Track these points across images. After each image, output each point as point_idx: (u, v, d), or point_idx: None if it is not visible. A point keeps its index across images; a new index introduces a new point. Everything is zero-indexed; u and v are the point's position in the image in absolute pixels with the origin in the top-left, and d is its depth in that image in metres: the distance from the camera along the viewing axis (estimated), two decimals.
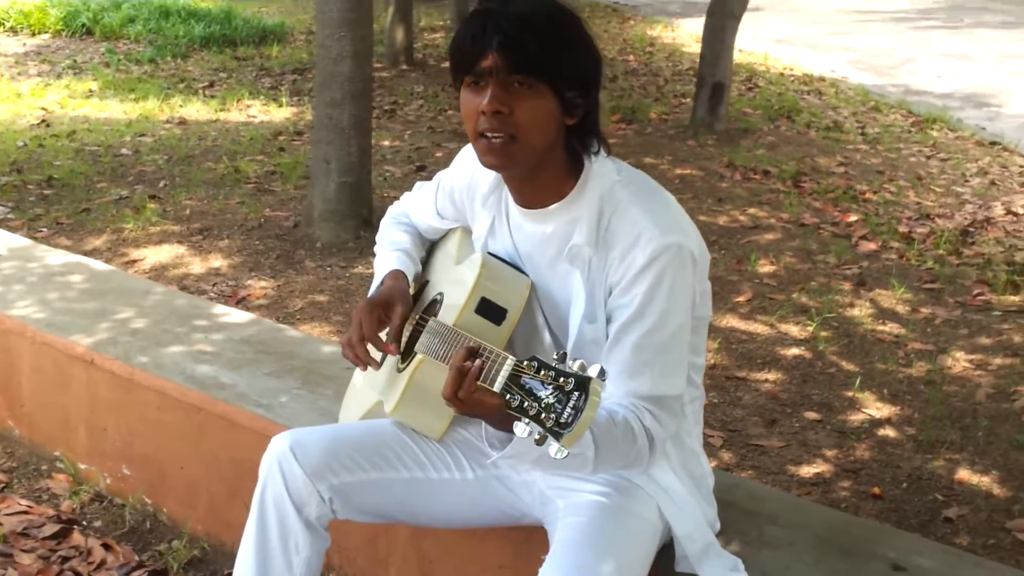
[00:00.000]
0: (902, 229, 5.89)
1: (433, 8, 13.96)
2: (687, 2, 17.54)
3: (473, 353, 1.81)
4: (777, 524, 2.42)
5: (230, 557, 2.96)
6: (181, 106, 8.93)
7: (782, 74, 10.74)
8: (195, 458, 3.12)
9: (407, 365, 2.24)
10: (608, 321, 2.03)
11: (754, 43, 12.22)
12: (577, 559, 1.96)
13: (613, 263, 2.00)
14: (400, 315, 2.21)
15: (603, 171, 2.05)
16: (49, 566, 2.96)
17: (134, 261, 5.18)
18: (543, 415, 1.62)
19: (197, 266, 5.12)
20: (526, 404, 1.65)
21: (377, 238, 2.54)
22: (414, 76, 10.24)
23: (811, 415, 3.77)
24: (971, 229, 5.98)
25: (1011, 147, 8.02)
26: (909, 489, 3.32)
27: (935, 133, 8.43)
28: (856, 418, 3.76)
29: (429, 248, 2.53)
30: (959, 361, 4.23)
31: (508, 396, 1.68)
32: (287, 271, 5.06)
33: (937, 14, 16.47)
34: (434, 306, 2.28)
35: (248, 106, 9.02)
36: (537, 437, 1.63)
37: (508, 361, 1.73)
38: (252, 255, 5.26)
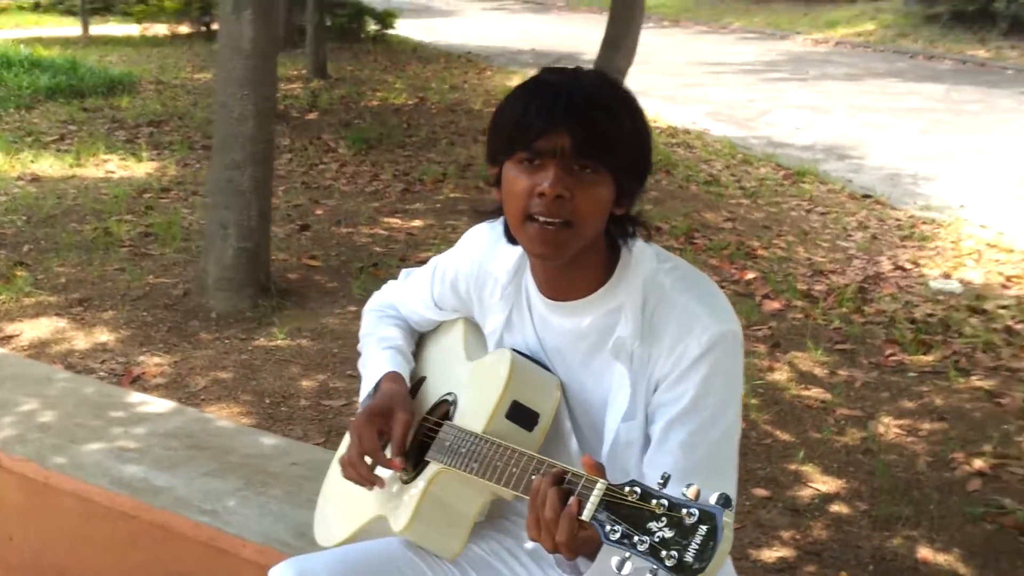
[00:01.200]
0: (801, 287, 5.87)
1: (287, 58, 13.64)
2: (537, 52, 17.69)
3: (560, 479, 1.59)
4: None
5: None
6: (32, 161, 8.45)
7: (659, 129, 10.79)
8: (121, 572, 2.81)
9: (415, 476, 2.01)
10: (648, 421, 1.85)
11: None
12: None
13: (660, 356, 1.82)
14: (403, 423, 2.00)
15: (643, 258, 1.88)
16: None
17: (10, 337, 4.79)
18: (662, 552, 1.40)
19: (81, 341, 4.76)
20: (635, 539, 1.43)
21: (361, 334, 2.30)
22: (278, 128, 9.93)
23: (760, 492, 3.65)
24: (866, 285, 6.00)
25: (883, 200, 8.15)
26: (878, 571, 3.21)
27: (807, 186, 8.52)
28: (805, 493, 3.65)
29: (419, 339, 2.31)
30: (890, 427, 4.18)
31: (608, 528, 1.47)
32: (182, 345, 4.74)
33: (783, 67, 16.92)
34: (443, 408, 2.06)
35: (105, 160, 8.59)
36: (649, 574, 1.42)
37: (599, 485, 1.52)
38: (141, 327, 4.92)
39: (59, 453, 2.97)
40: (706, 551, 1.37)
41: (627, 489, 1.47)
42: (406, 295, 2.27)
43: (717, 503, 1.39)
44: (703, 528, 1.38)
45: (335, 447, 2.42)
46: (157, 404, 3.37)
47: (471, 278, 2.08)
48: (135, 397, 3.41)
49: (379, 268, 5.83)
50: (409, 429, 2.00)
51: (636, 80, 14.06)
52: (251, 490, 2.83)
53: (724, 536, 1.37)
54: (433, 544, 2.02)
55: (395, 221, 6.99)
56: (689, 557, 1.38)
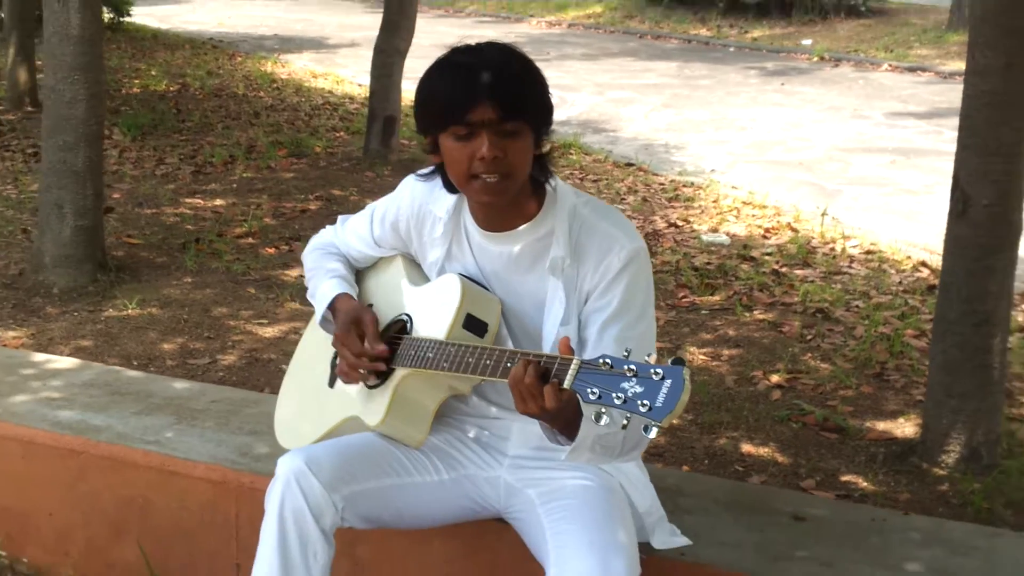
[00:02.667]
0: None
1: None
2: (281, 38, 17.79)
3: (537, 361, 2.01)
4: (684, 495, 2.77)
5: None
6: None
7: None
8: (68, 503, 3.07)
9: (382, 382, 2.40)
10: (581, 326, 2.31)
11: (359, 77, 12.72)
12: (599, 534, 2.21)
13: (588, 272, 2.29)
14: (373, 321, 2.41)
15: (565, 194, 2.35)
16: None
17: None
18: (636, 402, 1.83)
19: None
20: (612, 395, 1.86)
21: (307, 267, 2.69)
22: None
23: None
24: (648, 241, 6.64)
25: (645, 167, 8.86)
26: (712, 464, 3.78)
27: (575, 157, 9.16)
28: None
29: (357, 275, 2.69)
30: (696, 355, 4.78)
31: (588, 390, 1.89)
32: (32, 319, 4.89)
33: (525, 48, 17.41)
34: (397, 326, 2.46)
35: None
36: (624, 423, 1.86)
37: (574, 361, 1.95)
38: None
39: None
40: (673, 398, 1.81)
41: (600, 361, 1.91)
42: (346, 236, 2.66)
43: (673, 365, 1.84)
44: (668, 382, 1.83)
45: None
46: (62, 361, 3.60)
47: (412, 219, 2.50)
48: (38, 357, 3.61)
49: (201, 243, 6.07)
50: (378, 327, 2.39)
51: None
52: (184, 424, 3.13)
53: (685, 387, 1.82)
54: (402, 435, 2.44)
55: (197, 201, 7.19)
56: (659, 403, 1.82)
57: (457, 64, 2.21)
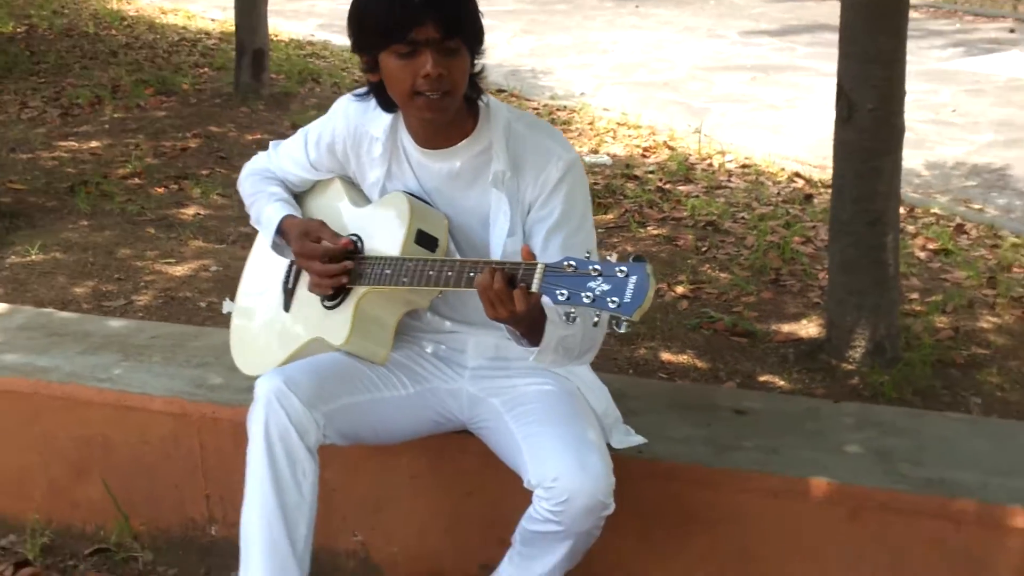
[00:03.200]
0: None
1: None
2: None
3: (501, 267, 2.10)
4: (630, 398, 2.91)
5: (80, 538, 3.02)
6: None
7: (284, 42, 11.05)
8: (25, 447, 3.07)
9: (340, 302, 2.47)
10: (526, 237, 2.42)
11: (222, 11, 12.49)
12: (570, 433, 2.33)
13: (528, 184, 2.39)
14: (324, 225, 2.48)
15: (498, 110, 2.43)
16: None
17: None
18: (605, 299, 1.92)
19: None
20: (581, 295, 1.95)
21: (245, 192, 2.73)
22: None
23: None
24: None
25: (517, 92, 8.95)
26: (637, 373, 3.95)
27: None
28: None
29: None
30: None
31: (556, 292, 1.97)
32: None
33: None
34: (351, 247, 2.50)
35: None
36: (596, 320, 1.97)
37: (539, 266, 2.03)
38: None
39: None
40: (640, 293, 1.91)
41: (565, 263, 1.99)
42: (280, 161, 2.72)
43: (635, 262, 1.95)
44: (633, 278, 1.92)
45: None
46: None
47: (348, 140, 2.55)
48: None
49: (89, 186, 5.98)
50: (329, 227, 2.47)
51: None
52: (132, 360, 3.15)
53: (651, 282, 1.92)
54: (367, 352, 2.51)
55: (71, 144, 7.04)
56: (627, 299, 1.91)
57: None
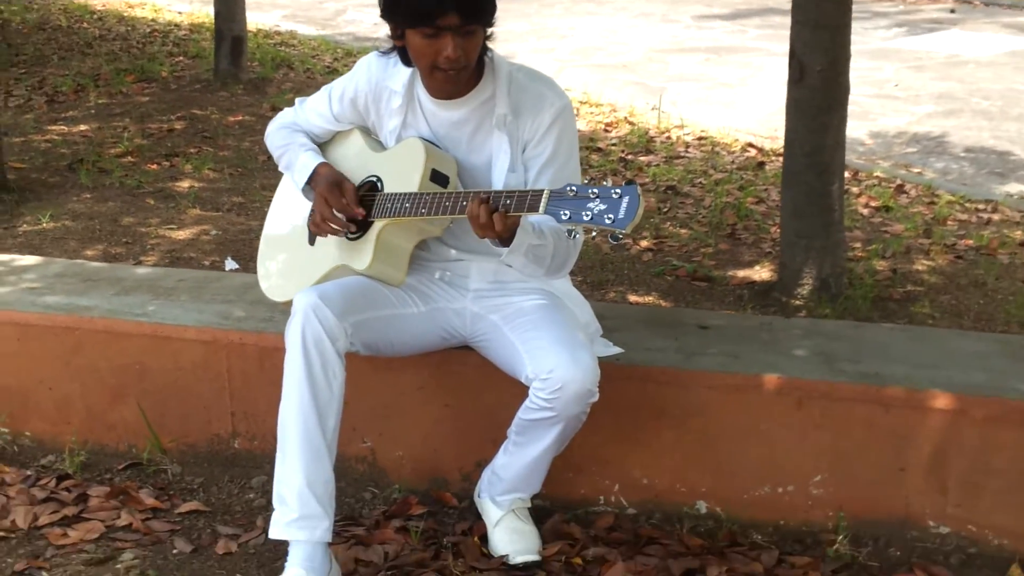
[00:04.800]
0: None
1: None
2: None
3: (511, 193, 2.51)
4: (606, 318, 3.32)
5: (114, 456, 3.40)
6: None
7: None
8: (67, 377, 3.44)
9: (362, 233, 2.88)
10: (525, 170, 2.83)
11: (188, 4, 12.83)
12: (563, 335, 2.75)
13: (526, 125, 2.80)
14: (353, 190, 2.89)
15: (500, 63, 2.84)
16: None
17: None
18: (603, 217, 2.35)
19: None
20: (581, 214, 2.37)
21: (275, 144, 3.13)
22: None
23: None
24: None
25: None
26: (607, 316, 4.35)
27: None
28: None
29: None
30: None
31: (560, 212, 2.38)
32: None
33: None
34: (368, 186, 2.91)
35: None
36: (574, 235, 2.41)
37: (545, 191, 2.46)
38: None
39: None
40: (632, 209, 2.34)
41: (567, 189, 2.41)
42: (306, 115, 3.12)
43: (627, 185, 2.37)
44: (626, 198, 2.34)
45: None
46: (25, 259, 3.92)
47: (370, 94, 2.97)
48: (1, 257, 3.93)
49: (87, 163, 6.35)
50: (356, 192, 2.88)
51: None
52: (163, 299, 3.53)
53: (641, 200, 2.35)
54: (386, 276, 2.92)
55: (61, 128, 7.37)
56: (622, 215, 2.34)
57: None
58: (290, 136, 3.12)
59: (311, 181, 2.98)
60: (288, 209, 3.18)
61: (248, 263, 4.80)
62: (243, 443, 3.38)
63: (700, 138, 7.33)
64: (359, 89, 2.97)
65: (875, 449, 2.94)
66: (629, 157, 6.75)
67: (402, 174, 2.84)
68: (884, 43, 10.81)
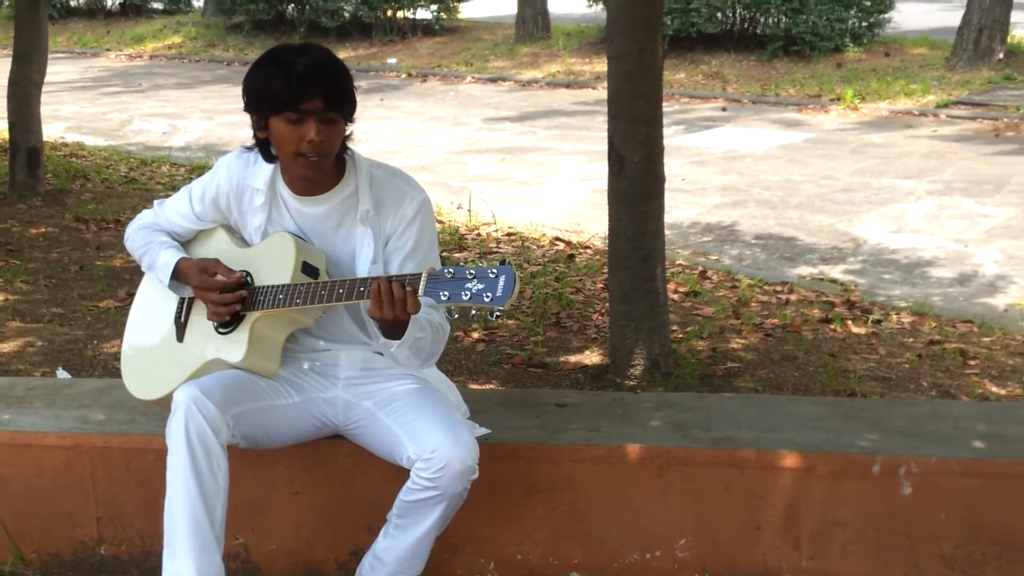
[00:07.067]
0: None
1: None
2: None
3: (390, 280, 2.64)
4: (468, 401, 3.44)
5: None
6: None
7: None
8: None
9: (234, 327, 2.95)
10: (385, 264, 2.96)
11: None
12: (441, 415, 2.88)
13: (388, 219, 2.96)
14: (217, 262, 2.96)
15: (360, 161, 3.00)
16: None
17: None
18: (482, 296, 2.52)
19: None
20: (461, 294, 2.53)
21: (136, 245, 3.17)
22: None
23: None
24: None
25: None
26: None
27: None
28: None
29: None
30: None
31: (439, 293, 2.54)
32: None
33: (113, 81, 17.56)
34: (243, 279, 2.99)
35: None
36: (474, 313, 2.56)
37: (424, 274, 2.60)
38: None
39: None
40: (508, 287, 2.50)
41: (445, 271, 2.57)
42: (167, 215, 3.18)
43: (502, 266, 2.54)
44: (503, 277, 2.51)
45: None
46: None
47: (232, 192, 3.06)
48: None
49: None
50: (221, 264, 2.94)
51: None
52: (15, 408, 3.45)
53: (517, 278, 2.53)
54: (260, 368, 2.99)
55: None
56: (499, 293, 2.50)
57: (290, 61, 2.79)
58: (150, 235, 3.16)
59: (177, 277, 3.02)
60: (152, 308, 3.21)
61: (79, 372, 4.74)
62: (110, 549, 3.34)
63: (509, 234, 7.59)
64: (220, 188, 3.05)
65: (733, 510, 3.14)
66: (444, 255, 6.92)
67: (273, 268, 2.93)
68: (667, 140, 11.35)
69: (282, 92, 2.75)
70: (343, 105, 2.80)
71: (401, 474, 2.85)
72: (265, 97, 2.79)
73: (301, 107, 2.73)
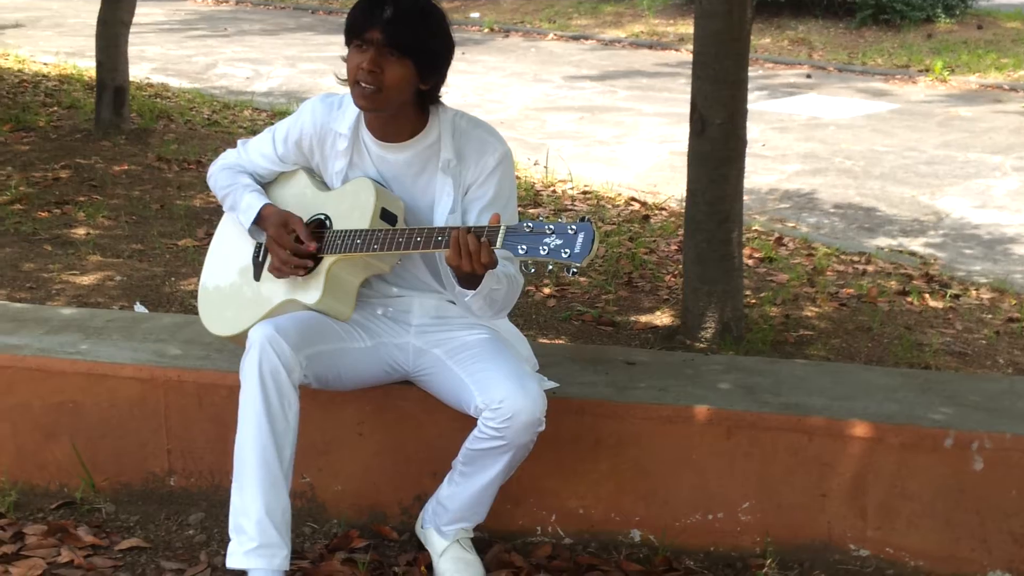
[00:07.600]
0: None
1: None
2: None
3: (468, 230, 2.62)
4: (538, 355, 3.44)
5: (45, 496, 3.39)
6: None
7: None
8: None
9: (313, 268, 2.96)
10: (464, 213, 2.96)
11: (53, 56, 12.69)
12: (510, 366, 2.87)
13: (469, 169, 2.94)
14: (302, 223, 2.96)
15: (445, 111, 2.98)
16: None
17: None
18: (560, 252, 2.50)
19: None
20: (538, 248, 2.52)
21: (219, 185, 3.19)
22: None
23: None
24: None
25: None
26: None
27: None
28: None
29: None
30: None
31: (517, 247, 2.53)
32: None
33: (199, 25, 17.72)
34: (316, 224, 2.99)
35: None
36: (551, 268, 2.54)
37: (501, 227, 2.60)
38: None
39: None
40: (587, 245, 2.48)
41: (523, 225, 2.56)
42: (250, 156, 3.20)
43: (582, 222, 2.52)
44: (582, 234, 2.48)
45: None
46: None
47: (314, 136, 3.07)
48: None
49: None
50: (305, 226, 2.96)
51: (64, 42, 14.30)
52: (93, 339, 3.53)
53: (597, 236, 2.50)
54: (334, 311, 2.99)
55: None
56: (577, 250, 2.48)
57: None
58: (234, 177, 3.18)
59: (258, 222, 3.05)
60: (231, 246, 3.23)
61: (156, 307, 4.81)
62: (179, 480, 3.39)
63: (584, 192, 7.56)
64: (304, 131, 3.06)
65: (799, 476, 3.12)
66: (519, 209, 6.90)
67: (352, 212, 2.93)
68: (749, 105, 11.24)
69: (352, 20, 2.78)
70: (406, 44, 2.76)
71: (468, 422, 2.85)
72: (346, 27, 2.82)
73: (364, 35, 2.74)
